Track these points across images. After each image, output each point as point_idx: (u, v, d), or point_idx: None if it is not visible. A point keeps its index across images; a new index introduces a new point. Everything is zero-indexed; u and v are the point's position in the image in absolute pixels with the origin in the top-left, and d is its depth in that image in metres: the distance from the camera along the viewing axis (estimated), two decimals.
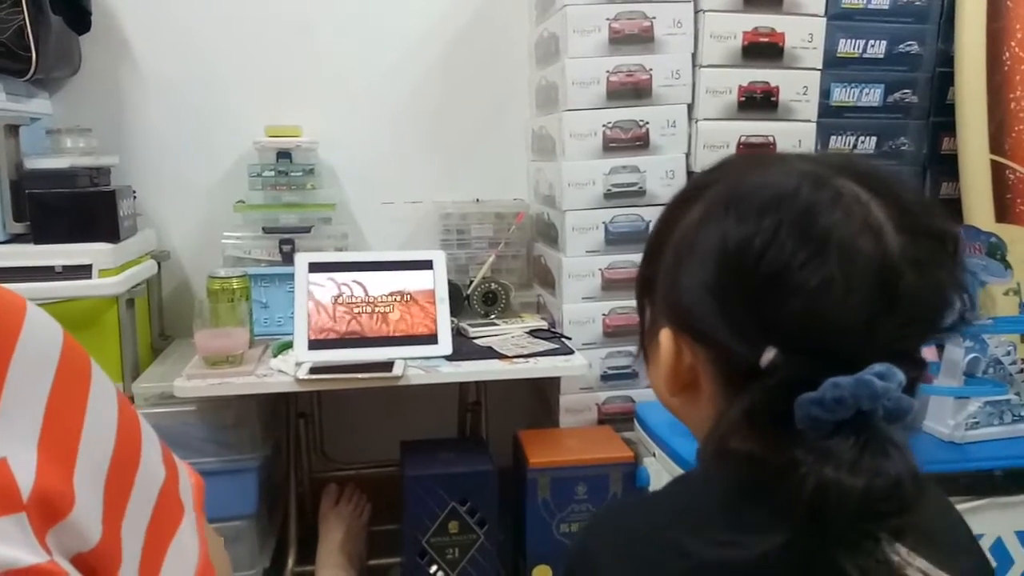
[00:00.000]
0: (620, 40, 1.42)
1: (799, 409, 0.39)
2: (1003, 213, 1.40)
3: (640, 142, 1.45)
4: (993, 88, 1.40)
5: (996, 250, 1.15)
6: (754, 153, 0.52)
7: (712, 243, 0.44)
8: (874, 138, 1.51)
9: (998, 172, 1.40)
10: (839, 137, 1.50)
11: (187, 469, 0.43)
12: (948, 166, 1.50)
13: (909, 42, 1.49)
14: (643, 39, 1.42)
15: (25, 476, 0.29)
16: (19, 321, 0.32)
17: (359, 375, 1.25)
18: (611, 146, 1.45)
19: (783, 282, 0.40)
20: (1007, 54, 1.41)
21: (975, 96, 1.41)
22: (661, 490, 0.53)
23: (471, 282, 1.55)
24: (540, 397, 1.63)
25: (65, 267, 1.29)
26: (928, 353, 1.34)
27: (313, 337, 1.32)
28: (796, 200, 0.42)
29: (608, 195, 1.46)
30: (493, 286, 1.55)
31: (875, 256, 0.40)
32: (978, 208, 1.41)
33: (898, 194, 0.43)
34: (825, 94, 1.48)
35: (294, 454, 1.51)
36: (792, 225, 0.41)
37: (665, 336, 0.48)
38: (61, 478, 0.31)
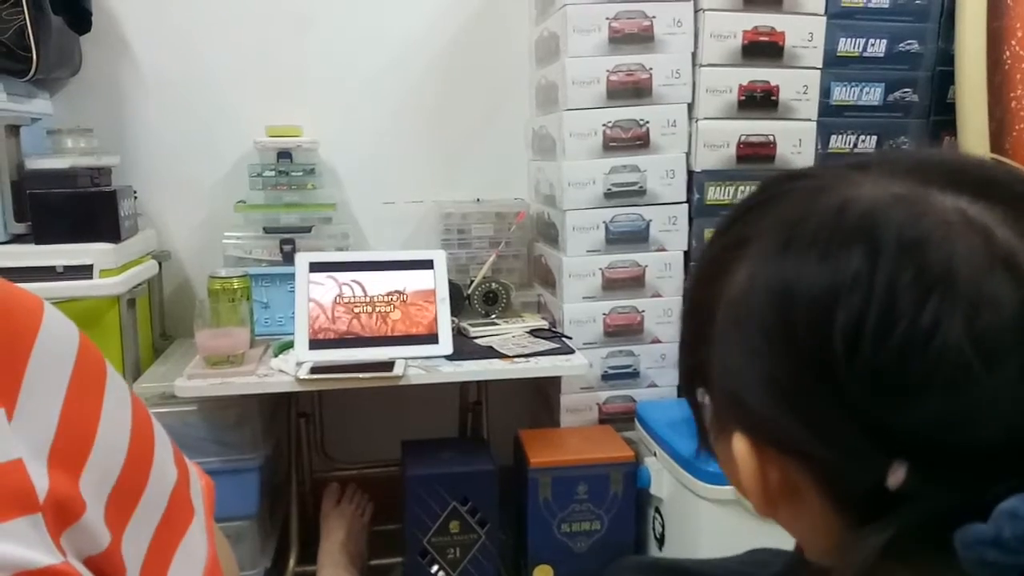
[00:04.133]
0: (620, 39, 1.42)
1: (966, 550, 0.27)
2: None
3: (640, 141, 1.45)
4: (993, 87, 1.40)
5: None
6: (806, 168, 0.35)
7: (766, 309, 0.30)
8: (874, 137, 1.51)
9: None
10: (839, 136, 1.50)
11: (197, 470, 0.43)
12: None
13: (909, 41, 1.49)
14: (643, 38, 1.42)
15: (40, 478, 0.29)
16: (36, 323, 0.31)
17: (360, 375, 1.25)
18: (611, 145, 1.45)
19: (897, 361, 0.27)
20: (1007, 53, 1.40)
21: (975, 95, 1.41)
22: None
23: (472, 282, 1.55)
24: (541, 397, 1.63)
25: (66, 267, 1.29)
26: None
27: (314, 337, 1.32)
28: (890, 228, 0.28)
29: (608, 194, 1.46)
30: (494, 286, 1.55)
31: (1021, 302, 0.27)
32: None
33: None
34: (825, 93, 1.48)
35: (295, 454, 1.51)
36: (897, 265, 0.27)
37: (740, 446, 0.33)
38: (71, 482, 0.31)
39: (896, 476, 0.28)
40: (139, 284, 1.40)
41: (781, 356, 0.30)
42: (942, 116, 1.51)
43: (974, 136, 1.41)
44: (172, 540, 0.37)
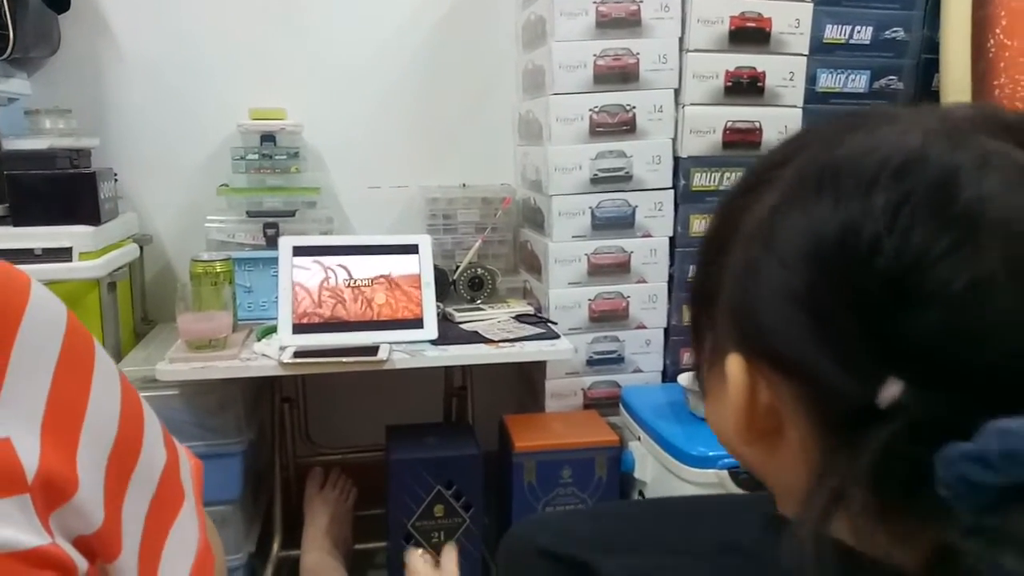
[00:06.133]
0: (607, 24, 1.41)
1: (946, 468, 0.27)
2: None
3: (627, 127, 1.45)
4: (977, 75, 1.41)
5: None
6: (845, 114, 0.34)
7: (799, 235, 0.31)
8: None
9: None
10: None
11: (186, 451, 0.42)
12: None
13: (895, 28, 1.49)
14: (630, 23, 1.42)
15: (29, 458, 0.29)
16: (23, 301, 0.31)
17: (344, 359, 1.25)
18: (598, 130, 1.44)
19: (913, 283, 0.28)
20: (992, 41, 1.41)
21: (960, 83, 1.41)
22: None
23: (457, 267, 1.55)
24: (526, 382, 1.63)
25: (45, 250, 1.27)
26: None
27: (297, 321, 1.31)
28: (926, 165, 0.29)
29: (595, 180, 1.45)
30: (479, 271, 1.54)
31: None
32: None
33: None
34: (811, 80, 1.48)
35: (279, 439, 1.50)
36: (923, 200, 0.28)
37: (735, 365, 0.34)
38: (65, 461, 0.31)
39: (890, 391, 0.28)
40: (120, 267, 1.38)
41: (801, 272, 0.31)
42: (927, 104, 1.51)
43: None
44: (165, 522, 0.37)
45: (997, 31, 1.41)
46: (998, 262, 0.27)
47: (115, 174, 1.49)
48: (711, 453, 1.17)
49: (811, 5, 1.45)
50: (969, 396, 0.27)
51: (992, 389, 0.27)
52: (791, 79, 1.47)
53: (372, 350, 1.27)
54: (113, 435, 0.34)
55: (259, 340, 1.32)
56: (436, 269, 1.44)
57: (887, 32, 1.49)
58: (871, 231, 0.29)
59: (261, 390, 1.48)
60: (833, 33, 1.48)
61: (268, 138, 1.52)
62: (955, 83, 1.42)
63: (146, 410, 0.38)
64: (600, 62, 1.42)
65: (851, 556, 0.32)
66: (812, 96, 1.48)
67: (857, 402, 0.29)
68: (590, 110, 1.44)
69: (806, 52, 1.46)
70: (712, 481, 1.16)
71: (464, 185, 1.68)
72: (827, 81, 1.49)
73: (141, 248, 1.51)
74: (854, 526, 0.31)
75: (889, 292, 0.28)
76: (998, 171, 0.29)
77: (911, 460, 0.28)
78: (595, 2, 1.40)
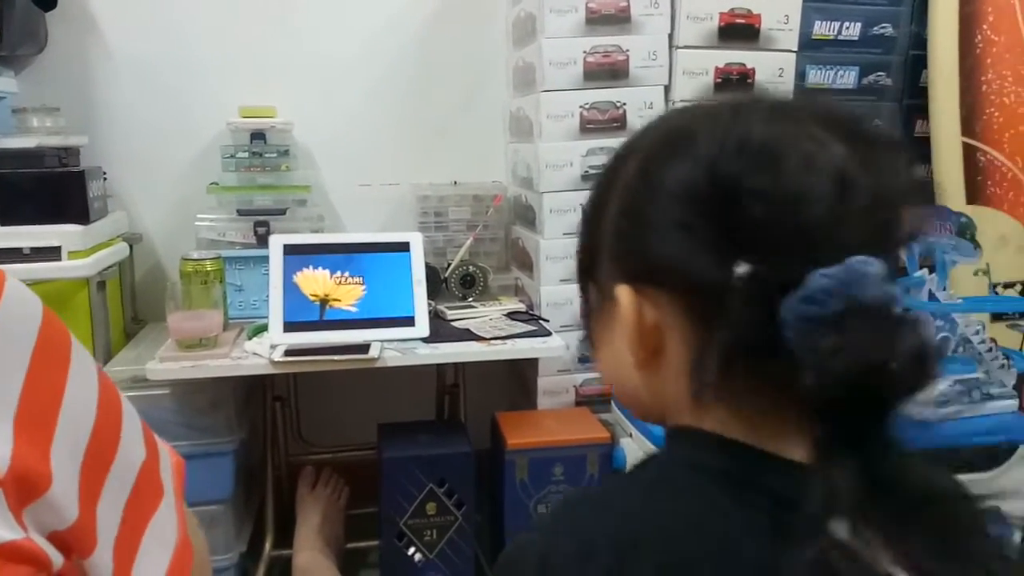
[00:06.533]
0: (597, 20, 1.42)
1: (788, 312, 0.35)
2: (974, 195, 1.42)
3: (617, 123, 1.45)
4: (965, 71, 1.42)
5: (966, 230, 1.17)
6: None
7: (668, 180, 0.41)
8: None
9: (969, 154, 1.42)
10: None
11: (168, 449, 0.42)
12: (921, 148, 1.51)
13: (883, 24, 1.50)
14: (620, 19, 1.42)
15: (2, 453, 0.29)
16: None
17: (335, 357, 1.24)
18: (588, 127, 1.44)
19: (742, 191, 0.38)
20: (979, 37, 1.42)
21: (947, 79, 1.42)
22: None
23: (449, 265, 1.54)
24: (518, 379, 1.63)
25: (33, 249, 1.26)
26: None
27: (288, 319, 1.31)
28: (736, 119, 0.41)
29: (585, 176, 1.46)
30: (471, 269, 1.54)
31: (826, 157, 0.39)
32: (950, 189, 1.43)
33: (836, 115, 0.42)
34: (800, 76, 1.49)
35: (270, 437, 1.50)
36: (738, 139, 0.40)
37: (624, 294, 0.43)
38: (38, 456, 0.30)
39: (741, 268, 0.37)
40: (109, 267, 1.37)
41: (669, 205, 0.41)
42: (915, 100, 1.52)
43: (946, 120, 1.43)
44: (141, 519, 0.36)
45: (984, 27, 1.42)
46: (793, 171, 0.38)
47: (104, 173, 1.48)
48: None
49: (800, 1, 1.45)
50: (793, 260, 0.36)
51: (808, 252, 0.36)
52: (780, 75, 1.47)
53: (363, 348, 1.26)
54: (89, 430, 0.34)
55: (250, 339, 1.31)
56: (427, 267, 1.44)
57: (875, 28, 1.49)
58: (708, 165, 0.40)
59: (252, 389, 1.48)
60: (822, 29, 1.49)
61: (258, 136, 1.51)
62: (943, 79, 1.43)
63: (125, 407, 0.38)
64: (590, 59, 1.42)
65: (745, 448, 0.40)
66: (801, 92, 1.49)
67: (720, 286, 0.38)
68: (580, 107, 1.44)
69: (795, 48, 1.47)
70: None
71: (455, 182, 1.67)
72: (816, 77, 1.50)
73: (131, 247, 1.50)
74: (741, 419, 0.41)
75: (727, 200, 0.39)
76: (785, 120, 0.41)
77: (764, 320, 0.36)
78: None
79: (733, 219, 0.38)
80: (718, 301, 0.38)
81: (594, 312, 0.47)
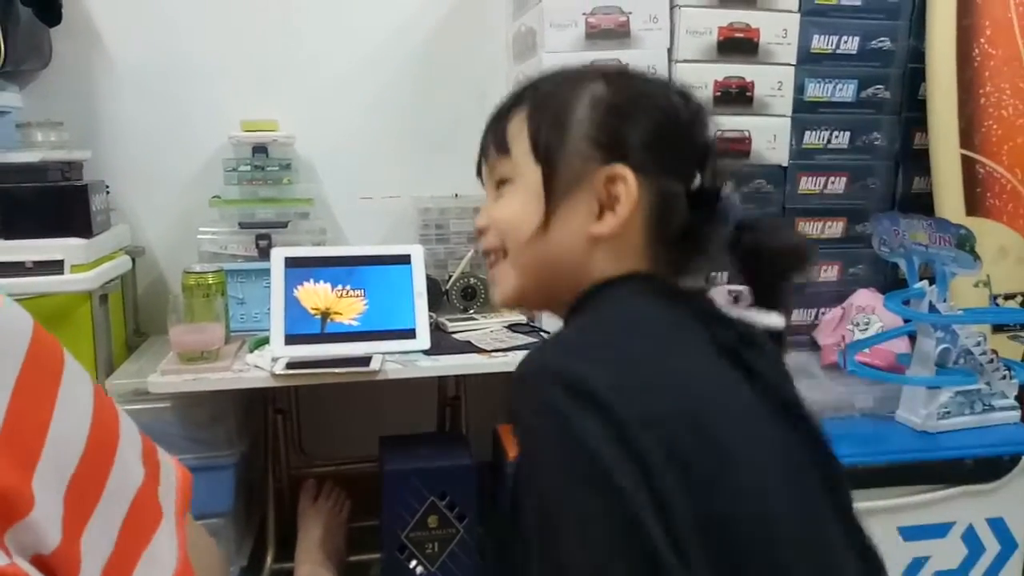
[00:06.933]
0: (596, 35, 1.42)
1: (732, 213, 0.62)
2: (973, 207, 1.42)
3: None
4: (963, 84, 1.42)
5: (966, 242, 1.17)
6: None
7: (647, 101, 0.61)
8: (848, 133, 1.53)
9: (968, 166, 1.42)
10: (813, 132, 1.52)
11: (174, 463, 0.41)
12: (920, 161, 1.52)
13: (882, 38, 1.51)
14: (619, 34, 1.43)
15: None
16: None
17: (336, 370, 1.24)
18: None
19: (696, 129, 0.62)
20: (977, 50, 1.43)
21: (946, 92, 1.43)
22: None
23: (450, 277, 1.55)
24: None
25: (36, 263, 1.27)
26: (901, 344, 1.36)
27: (289, 332, 1.31)
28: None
29: None
30: (472, 281, 1.55)
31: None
32: (949, 202, 1.43)
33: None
34: (799, 89, 1.49)
35: (272, 451, 1.50)
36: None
37: (625, 170, 0.58)
38: (20, 478, 0.30)
39: (696, 180, 0.61)
40: (111, 280, 1.38)
41: (649, 115, 0.60)
42: (913, 112, 1.53)
43: (945, 132, 1.44)
44: (136, 545, 0.36)
45: (982, 40, 1.43)
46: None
47: (107, 186, 1.49)
48: None
49: (798, 16, 1.46)
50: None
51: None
52: (779, 89, 1.48)
53: (365, 361, 1.26)
54: (78, 455, 0.33)
55: (251, 352, 1.32)
56: (429, 279, 1.44)
57: (874, 42, 1.50)
58: (663, 105, 0.61)
59: (254, 402, 1.48)
60: (820, 43, 1.49)
61: (260, 150, 1.52)
62: (941, 92, 1.44)
63: (123, 426, 0.37)
64: None
65: (655, 279, 0.60)
66: (800, 105, 1.50)
67: (685, 185, 0.60)
68: None
69: (794, 62, 1.48)
70: None
71: (457, 195, 1.68)
72: (815, 91, 1.51)
73: (133, 260, 1.51)
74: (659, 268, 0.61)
75: (694, 130, 0.62)
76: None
77: (699, 215, 0.60)
78: (584, 13, 1.41)
79: (694, 136, 0.62)
80: (674, 198, 0.59)
81: (556, 187, 0.59)
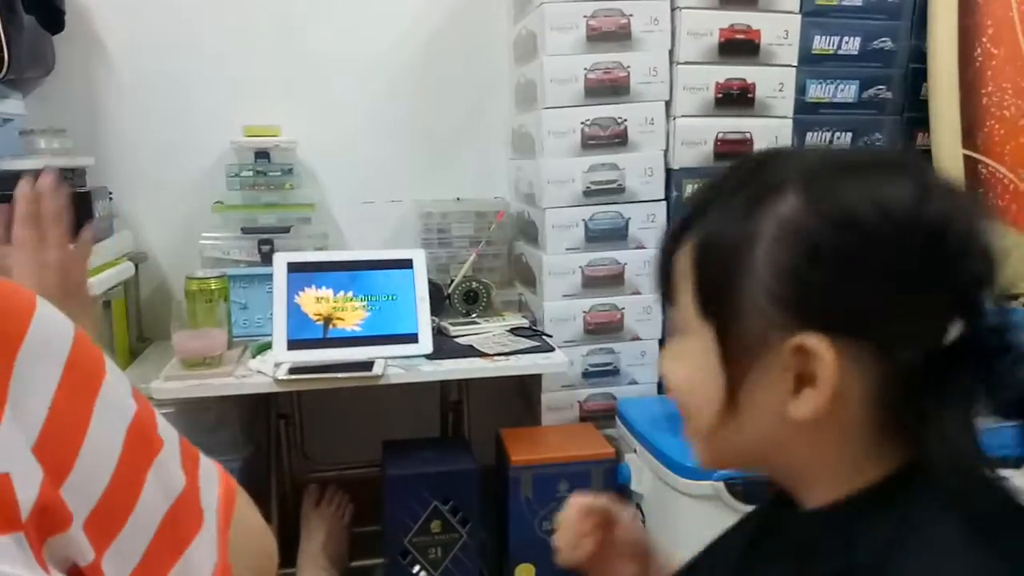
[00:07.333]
0: (597, 37, 1.43)
1: (1006, 373, 0.39)
2: None
3: (619, 139, 1.46)
4: (965, 84, 1.42)
5: None
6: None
7: (866, 228, 0.40)
8: (849, 134, 1.53)
9: (971, 166, 1.42)
10: (815, 133, 1.52)
11: (217, 471, 0.41)
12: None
13: (883, 39, 1.50)
14: (620, 36, 1.43)
15: (26, 491, 0.29)
16: (24, 326, 0.30)
17: (339, 375, 1.24)
18: (590, 143, 1.45)
19: (961, 252, 0.40)
20: (979, 50, 1.42)
21: (948, 92, 1.43)
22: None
23: (452, 281, 1.55)
24: (523, 396, 1.63)
25: None
26: None
27: (292, 337, 1.31)
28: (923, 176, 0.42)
29: (588, 192, 1.46)
30: (474, 285, 1.54)
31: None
32: None
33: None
34: (801, 90, 1.49)
35: (275, 456, 1.50)
36: (936, 188, 0.42)
37: (821, 345, 0.41)
38: (54, 489, 0.30)
39: (955, 329, 0.40)
40: (115, 286, 1.38)
41: (881, 249, 0.40)
42: (915, 113, 1.53)
43: (947, 132, 1.43)
44: (168, 557, 0.35)
45: (984, 39, 1.43)
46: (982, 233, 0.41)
47: (110, 193, 1.49)
48: None
49: (799, 16, 1.46)
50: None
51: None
52: (781, 90, 1.48)
53: (367, 365, 1.27)
54: (111, 470, 0.33)
55: (254, 357, 1.32)
56: (431, 283, 1.44)
57: (875, 43, 1.50)
58: (947, 225, 0.40)
59: (257, 407, 1.48)
60: (822, 44, 1.49)
61: (262, 155, 1.52)
62: (943, 92, 1.43)
63: (162, 429, 0.37)
64: (591, 75, 1.43)
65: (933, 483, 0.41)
66: (802, 106, 1.49)
67: (931, 345, 0.40)
68: (582, 123, 1.44)
69: (795, 63, 1.47)
70: (708, 493, 1.16)
71: (458, 199, 1.68)
72: (816, 91, 1.51)
73: (136, 266, 1.51)
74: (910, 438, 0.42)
75: (950, 264, 0.40)
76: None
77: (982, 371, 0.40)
78: (585, 16, 1.41)
79: (955, 281, 0.40)
80: (921, 359, 0.40)
81: (732, 354, 0.44)
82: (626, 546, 0.61)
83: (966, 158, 1.41)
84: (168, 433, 0.37)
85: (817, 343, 0.41)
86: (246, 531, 0.42)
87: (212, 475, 0.40)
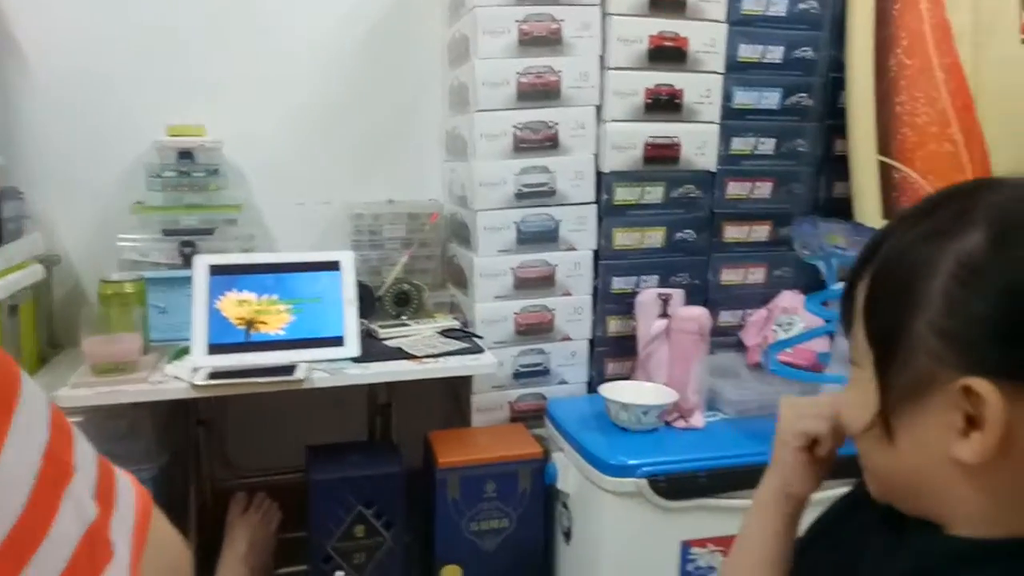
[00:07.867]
0: (529, 42, 1.43)
1: None
2: (890, 211, 1.47)
3: (550, 143, 1.46)
4: (880, 93, 1.47)
5: None
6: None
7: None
8: (773, 140, 1.57)
9: (885, 172, 1.47)
10: (741, 139, 1.55)
11: (132, 487, 0.39)
12: (840, 167, 1.56)
13: (804, 48, 1.55)
14: (551, 41, 1.44)
15: None
16: None
17: (259, 380, 1.21)
18: (521, 147, 1.45)
19: None
20: (893, 60, 1.48)
21: (864, 100, 1.47)
22: None
23: (384, 283, 1.53)
24: (453, 398, 1.62)
25: None
26: (823, 344, 1.39)
27: (213, 341, 1.27)
28: None
29: (519, 195, 1.46)
30: (406, 287, 1.53)
31: None
32: (867, 206, 1.48)
33: None
34: (727, 97, 1.52)
35: (194, 463, 1.45)
36: None
37: (989, 391, 0.41)
38: None
39: None
40: (21, 289, 1.32)
41: None
42: (834, 120, 1.58)
43: (862, 140, 1.48)
44: None
45: (898, 51, 1.48)
46: None
47: (21, 193, 1.43)
48: (630, 462, 1.18)
49: (726, 25, 1.49)
50: None
51: None
52: (708, 96, 1.51)
53: (289, 370, 1.24)
54: (19, 509, 0.30)
55: (171, 362, 1.28)
56: (361, 285, 1.42)
57: (797, 52, 1.55)
58: None
59: (175, 413, 1.43)
60: (747, 52, 1.53)
61: (186, 155, 1.48)
62: (859, 100, 1.48)
63: (78, 456, 0.35)
64: (523, 79, 1.44)
65: None
66: (728, 112, 1.53)
67: None
68: (513, 126, 1.45)
69: (722, 70, 1.51)
70: (631, 490, 1.17)
71: (390, 201, 1.66)
72: (742, 98, 1.54)
73: (48, 269, 1.45)
74: None
75: None
76: None
77: None
78: (517, 20, 1.42)
79: None
80: None
81: (895, 394, 0.44)
82: (824, 469, 0.60)
83: (880, 164, 1.46)
84: (84, 459, 0.35)
85: (986, 387, 0.41)
86: (158, 550, 0.41)
87: (128, 497, 0.39)
